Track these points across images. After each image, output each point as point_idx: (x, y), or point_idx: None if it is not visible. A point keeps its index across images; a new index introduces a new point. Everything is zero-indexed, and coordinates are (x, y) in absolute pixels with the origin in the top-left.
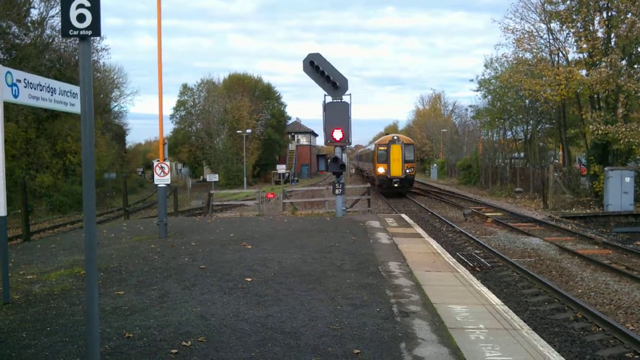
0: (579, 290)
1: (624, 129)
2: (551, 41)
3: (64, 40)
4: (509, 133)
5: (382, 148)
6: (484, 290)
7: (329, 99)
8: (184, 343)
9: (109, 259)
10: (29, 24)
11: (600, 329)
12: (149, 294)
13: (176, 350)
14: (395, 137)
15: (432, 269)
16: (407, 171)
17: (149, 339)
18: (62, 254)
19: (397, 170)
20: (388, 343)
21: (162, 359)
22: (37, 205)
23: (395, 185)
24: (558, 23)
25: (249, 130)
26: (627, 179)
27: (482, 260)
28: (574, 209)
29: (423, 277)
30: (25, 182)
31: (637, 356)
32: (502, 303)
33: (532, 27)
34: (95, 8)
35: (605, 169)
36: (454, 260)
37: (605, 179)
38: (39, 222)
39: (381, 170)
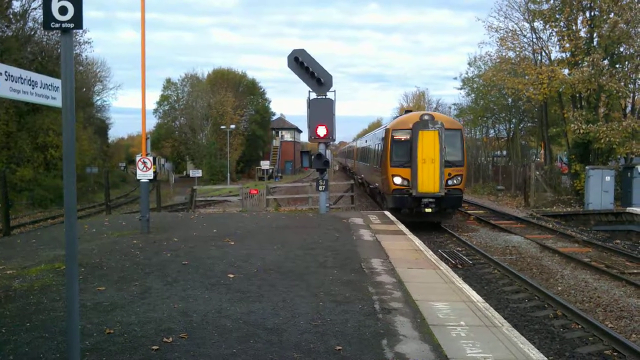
0: (559, 288)
1: (605, 128)
2: (534, 40)
3: (46, 33)
4: (492, 131)
5: (400, 136)
6: (466, 287)
7: (313, 95)
8: (165, 339)
9: (90, 255)
10: (11, 16)
11: (580, 326)
12: (130, 290)
13: (157, 347)
14: (427, 117)
15: (414, 266)
16: (450, 182)
17: (130, 335)
18: (42, 249)
19: (430, 180)
20: (370, 340)
21: (143, 355)
22: (17, 200)
23: (428, 209)
24: (541, 22)
25: (233, 126)
26: (608, 178)
27: (464, 257)
28: (555, 207)
29: (405, 274)
30: (5, 176)
31: (615, 353)
32: (483, 300)
33: (515, 26)
34: (77, 0)
35: (586, 167)
36: (436, 257)
37: (586, 177)
38: (19, 217)
39: (398, 180)
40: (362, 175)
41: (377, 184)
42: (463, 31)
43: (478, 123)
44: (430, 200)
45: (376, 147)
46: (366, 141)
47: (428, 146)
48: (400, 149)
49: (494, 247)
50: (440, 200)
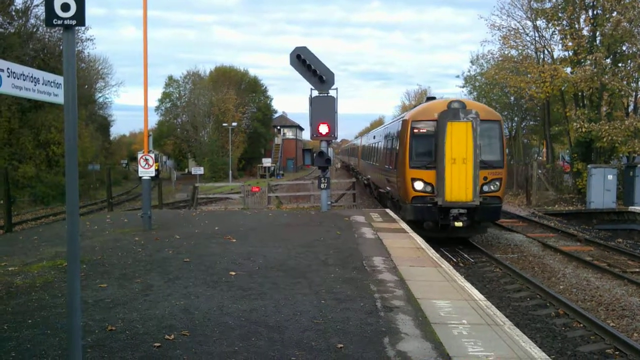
0: (561, 287)
1: (607, 127)
2: (537, 38)
3: (48, 30)
4: None
5: (422, 129)
6: (467, 285)
7: (315, 93)
8: (167, 336)
9: (92, 251)
10: (13, 13)
11: (582, 325)
12: (132, 287)
13: (159, 344)
14: (458, 105)
15: (416, 264)
16: (486, 188)
17: (132, 332)
18: (44, 246)
19: (461, 186)
20: (371, 338)
21: (145, 352)
22: (19, 196)
23: (458, 223)
24: (544, 21)
25: (234, 124)
26: (610, 177)
27: (466, 255)
28: (556, 206)
29: (407, 272)
30: (7, 172)
31: (617, 352)
32: (485, 299)
33: (518, 24)
34: None
35: (589, 166)
36: (437, 255)
37: (588, 176)
38: (21, 213)
39: (419, 185)
40: (369, 176)
41: (388, 189)
42: (465, 29)
43: None
44: (461, 211)
45: (388, 144)
46: (374, 137)
47: (458, 142)
48: (422, 145)
49: (495, 246)
50: (474, 212)
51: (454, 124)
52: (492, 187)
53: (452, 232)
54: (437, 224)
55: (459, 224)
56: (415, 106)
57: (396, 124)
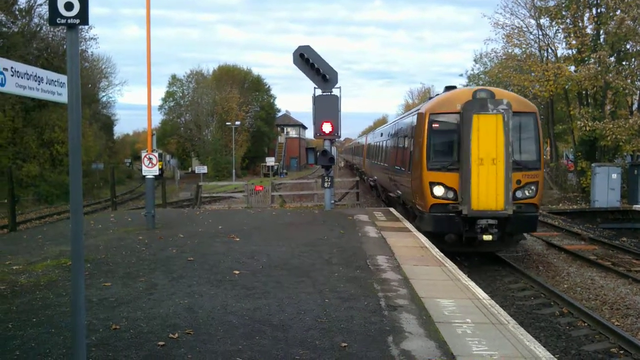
0: (565, 286)
1: (611, 126)
2: (540, 37)
3: (51, 29)
4: None
5: (440, 123)
6: (471, 284)
7: (318, 91)
8: (171, 335)
9: (96, 250)
10: (17, 12)
11: (586, 324)
12: (136, 286)
13: (163, 343)
14: (485, 94)
15: (419, 262)
16: (520, 194)
17: (136, 331)
18: (48, 245)
19: (490, 191)
20: (375, 336)
21: (149, 351)
22: (23, 195)
23: (487, 237)
24: (548, 19)
25: (238, 122)
26: (614, 176)
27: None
28: (561, 205)
29: (411, 271)
30: (11, 172)
31: (621, 351)
32: (489, 297)
33: (521, 22)
34: None
35: (593, 165)
36: (441, 254)
37: (592, 175)
38: (25, 213)
39: (439, 191)
40: (375, 178)
41: (399, 193)
42: (467, 27)
43: None
44: (491, 222)
45: (399, 142)
46: (382, 134)
47: (487, 138)
48: (442, 143)
49: None
50: (505, 222)
51: (481, 117)
52: (526, 193)
53: (479, 246)
54: (461, 237)
55: (488, 237)
56: (430, 98)
57: (410, 119)
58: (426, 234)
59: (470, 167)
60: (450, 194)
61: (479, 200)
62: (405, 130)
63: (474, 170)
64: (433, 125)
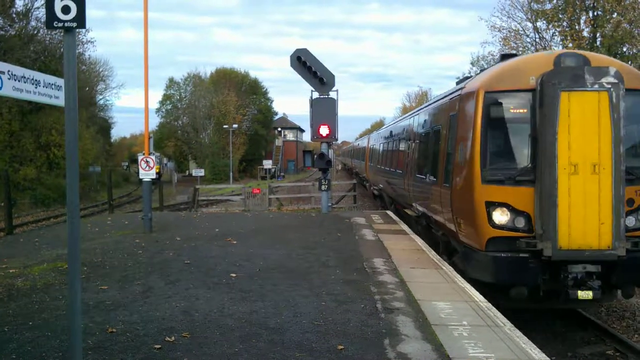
0: None
1: None
2: (537, 40)
3: (48, 32)
4: None
5: (503, 108)
6: (468, 287)
7: (315, 94)
8: (167, 338)
9: (92, 254)
10: (14, 15)
11: (582, 326)
12: (132, 289)
13: (159, 346)
14: (575, 59)
15: (416, 265)
16: (634, 222)
17: (133, 334)
18: (45, 248)
19: (589, 217)
20: (372, 339)
21: (145, 354)
22: (20, 199)
23: (585, 294)
24: (544, 22)
25: (235, 125)
26: None
27: None
28: None
29: (407, 274)
30: (8, 175)
31: (617, 354)
32: (486, 300)
33: (518, 25)
34: (80, 0)
35: None
36: (438, 257)
37: None
38: (22, 216)
39: (502, 217)
40: (381, 186)
41: (422, 211)
42: (464, 30)
43: None
44: (590, 268)
45: (424, 140)
46: (391, 132)
47: (583, 131)
48: (505, 139)
49: None
50: (613, 269)
51: (573, 96)
52: None
53: (567, 303)
54: (539, 290)
55: (586, 295)
56: (483, 69)
57: (444, 104)
58: (484, 285)
59: (557, 179)
60: (521, 222)
61: (571, 234)
62: (437, 121)
63: (563, 183)
64: (491, 110)
